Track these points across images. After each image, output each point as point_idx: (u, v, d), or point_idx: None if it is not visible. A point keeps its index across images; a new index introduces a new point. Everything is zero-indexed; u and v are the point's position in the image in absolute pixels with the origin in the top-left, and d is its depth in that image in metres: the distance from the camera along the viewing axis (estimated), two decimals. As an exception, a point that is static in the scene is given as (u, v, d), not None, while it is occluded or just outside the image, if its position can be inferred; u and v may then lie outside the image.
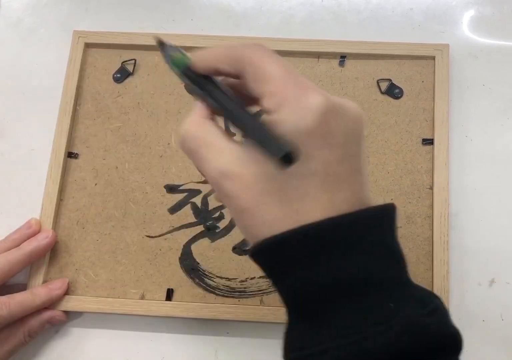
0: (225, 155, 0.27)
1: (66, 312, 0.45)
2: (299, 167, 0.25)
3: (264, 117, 0.26)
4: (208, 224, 0.47)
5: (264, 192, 0.26)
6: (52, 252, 0.46)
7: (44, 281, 0.45)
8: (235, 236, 0.46)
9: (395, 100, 0.49)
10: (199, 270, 0.46)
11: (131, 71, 0.51)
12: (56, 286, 0.44)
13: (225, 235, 0.47)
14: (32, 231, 0.45)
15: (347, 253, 0.25)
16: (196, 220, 0.47)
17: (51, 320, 0.44)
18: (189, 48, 0.51)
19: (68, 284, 0.45)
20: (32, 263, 0.45)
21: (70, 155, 0.49)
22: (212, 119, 0.29)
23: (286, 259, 0.25)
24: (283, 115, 0.25)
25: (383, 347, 0.23)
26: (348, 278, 0.25)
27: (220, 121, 0.30)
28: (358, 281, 0.25)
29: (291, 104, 0.25)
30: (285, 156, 0.23)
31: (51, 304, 0.44)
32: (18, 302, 0.42)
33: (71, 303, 0.45)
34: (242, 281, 0.45)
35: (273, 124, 0.25)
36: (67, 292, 0.45)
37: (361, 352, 0.23)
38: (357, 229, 0.25)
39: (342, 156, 0.26)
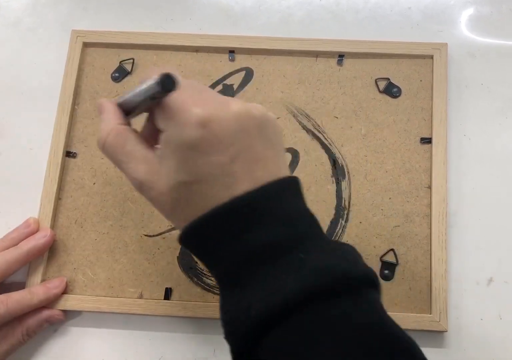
0: (143, 166, 0.31)
1: (65, 311, 0.45)
2: (198, 175, 0.29)
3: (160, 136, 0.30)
4: (206, 223, 0.47)
5: (175, 198, 0.30)
6: (50, 251, 0.46)
7: (43, 280, 0.45)
8: (233, 235, 0.46)
9: (393, 99, 0.49)
10: (198, 269, 0.46)
11: (129, 71, 0.51)
12: (54, 285, 0.44)
13: (223, 234, 0.47)
14: (30, 230, 0.45)
15: (260, 222, 0.28)
16: (194, 219, 0.47)
17: (49, 319, 0.44)
18: (187, 47, 0.51)
19: (66, 283, 0.45)
20: (30, 262, 0.45)
21: (69, 154, 0.49)
22: (128, 123, 0.33)
23: (207, 236, 0.29)
24: (170, 132, 0.29)
25: (296, 291, 0.27)
26: (260, 244, 0.28)
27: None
28: (270, 244, 0.28)
29: (175, 121, 0.29)
30: (169, 80, 0.28)
31: (49, 303, 0.44)
32: (16, 300, 0.42)
33: (69, 302, 0.45)
34: (240, 280, 0.45)
35: (163, 141, 0.30)
36: (65, 291, 0.45)
37: (278, 299, 0.27)
38: (261, 201, 0.29)
39: (234, 154, 0.29)
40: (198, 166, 0.29)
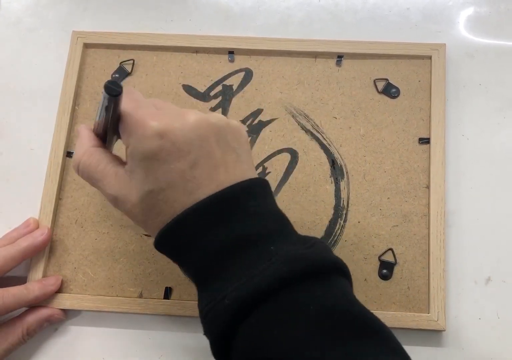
0: (114, 183, 0.33)
1: (65, 311, 0.45)
2: (161, 183, 0.31)
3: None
4: (205, 223, 0.47)
5: (145, 208, 0.32)
6: (50, 251, 0.47)
7: (43, 280, 0.46)
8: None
9: (392, 100, 0.49)
10: (197, 269, 0.46)
11: (130, 71, 0.51)
12: (50, 282, 0.45)
13: (223, 233, 0.47)
14: (29, 230, 0.46)
15: (227, 221, 0.30)
16: (194, 219, 0.47)
17: (50, 318, 0.44)
18: (187, 48, 0.52)
19: (63, 282, 0.46)
20: (27, 259, 0.45)
21: (69, 154, 0.49)
22: (100, 146, 0.35)
23: (178, 240, 0.31)
24: (131, 146, 0.32)
25: (267, 278, 0.28)
26: (231, 240, 0.30)
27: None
28: (241, 239, 0.30)
29: (135, 135, 0.31)
30: (112, 86, 0.30)
31: (45, 299, 0.44)
32: (12, 294, 0.42)
33: (69, 302, 0.45)
34: (239, 279, 0.46)
35: (128, 155, 0.32)
36: (65, 290, 0.46)
37: (250, 288, 0.28)
38: (223, 203, 0.31)
39: (193, 161, 0.31)
40: (160, 174, 0.31)
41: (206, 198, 0.30)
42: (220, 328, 0.29)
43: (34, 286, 0.44)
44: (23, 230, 0.46)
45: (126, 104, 0.32)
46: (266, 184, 0.34)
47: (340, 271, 0.31)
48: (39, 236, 0.45)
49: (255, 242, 0.30)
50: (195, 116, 0.32)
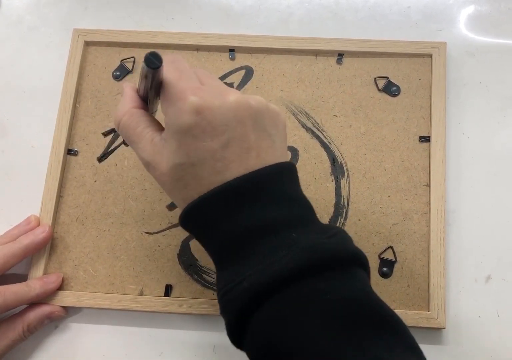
0: (149, 148, 0.33)
1: (66, 308, 0.45)
2: (191, 158, 0.31)
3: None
4: (206, 220, 0.47)
5: (174, 178, 0.32)
6: (51, 248, 0.47)
7: (44, 277, 0.46)
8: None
9: (392, 98, 0.49)
10: (198, 266, 0.46)
11: (131, 69, 0.51)
12: (51, 280, 0.45)
13: (223, 231, 0.47)
14: (30, 228, 0.46)
15: (253, 203, 0.30)
16: (194, 216, 0.47)
17: (50, 315, 0.45)
18: (188, 46, 0.52)
19: (64, 279, 0.46)
20: (28, 256, 0.45)
21: (70, 152, 0.49)
22: (141, 107, 0.35)
23: (203, 218, 0.32)
24: (168, 116, 0.32)
25: (287, 265, 0.28)
26: (255, 223, 0.30)
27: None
28: (264, 224, 0.30)
29: (173, 107, 0.31)
30: (152, 58, 0.30)
31: (46, 296, 0.45)
32: (13, 292, 0.42)
33: (70, 299, 0.45)
34: (240, 277, 0.46)
35: (166, 125, 0.32)
36: (66, 287, 0.46)
37: (268, 274, 0.28)
38: (251, 186, 0.31)
39: (226, 142, 0.31)
40: (192, 150, 0.31)
41: (232, 180, 0.31)
42: (236, 311, 0.29)
43: (35, 283, 0.44)
44: (24, 227, 0.46)
45: (169, 73, 0.32)
46: (293, 169, 0.34)
47: (359, 262, 0.31)
48: (40, 233, 0.45)
49: (278, 228, 0.30)
50: (235, 96, 0.32)
